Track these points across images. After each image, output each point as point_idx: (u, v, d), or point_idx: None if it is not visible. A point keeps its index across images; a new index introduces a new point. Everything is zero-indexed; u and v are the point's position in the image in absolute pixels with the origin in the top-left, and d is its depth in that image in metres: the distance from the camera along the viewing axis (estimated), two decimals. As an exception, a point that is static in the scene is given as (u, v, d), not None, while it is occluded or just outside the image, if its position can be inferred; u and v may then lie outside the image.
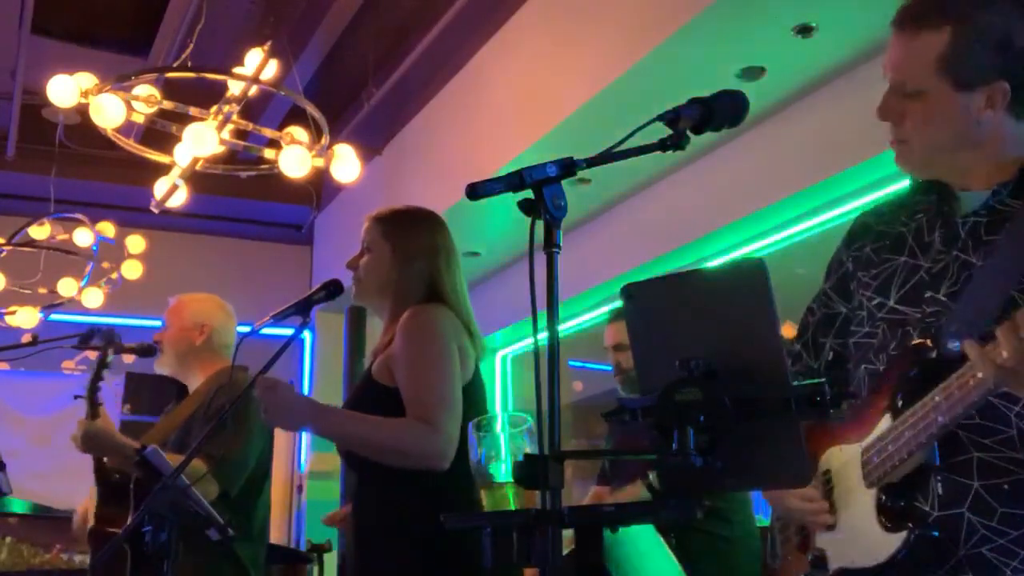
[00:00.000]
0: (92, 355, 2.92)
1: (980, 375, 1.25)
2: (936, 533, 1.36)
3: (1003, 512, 1.35)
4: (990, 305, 1.36)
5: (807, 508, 1.51)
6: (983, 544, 1.35)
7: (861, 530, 1.44)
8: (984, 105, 1.45)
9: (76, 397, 2.75)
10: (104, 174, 6.26)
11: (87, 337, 2.86)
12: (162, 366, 3.00)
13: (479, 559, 1.18)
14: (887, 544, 1.38)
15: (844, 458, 1.50)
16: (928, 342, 1.41)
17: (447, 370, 2.09)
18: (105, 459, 2.76)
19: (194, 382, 2.96)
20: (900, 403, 1.40)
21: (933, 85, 1.46)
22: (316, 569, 4.06)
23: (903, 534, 1.37)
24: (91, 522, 2.73)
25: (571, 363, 6.95)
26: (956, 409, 1.29)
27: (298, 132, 3.76)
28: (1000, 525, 1.34)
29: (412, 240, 2.30)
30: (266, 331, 2.19)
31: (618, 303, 3.54)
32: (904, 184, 1.63)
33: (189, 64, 3.91)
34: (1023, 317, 1.20)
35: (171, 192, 4.03)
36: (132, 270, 5.34)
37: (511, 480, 1.29)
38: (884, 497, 1.41)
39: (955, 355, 1.30)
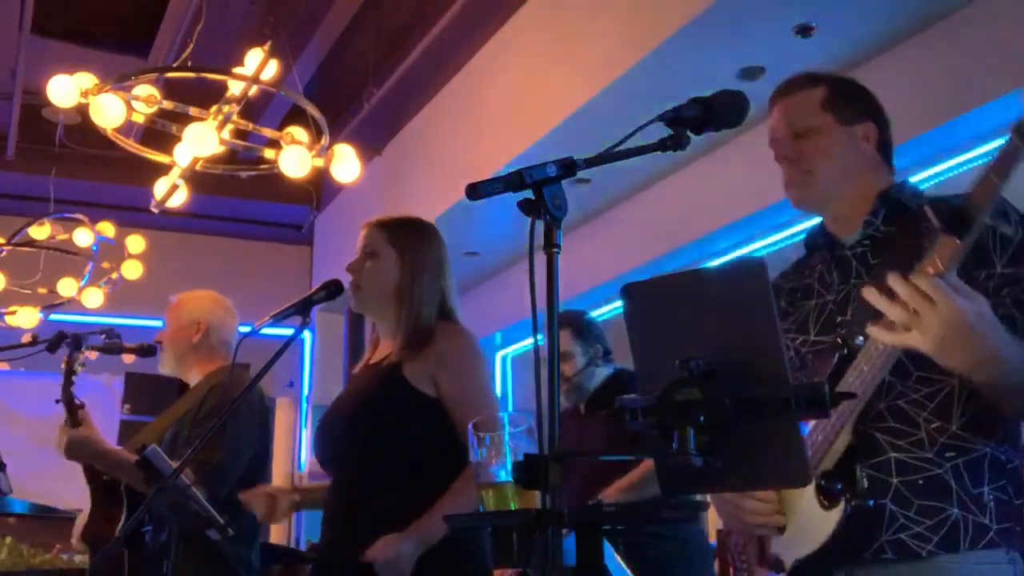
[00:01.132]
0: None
1: (882, 344, 1.45)
2: (871, 502, 1.53)
3: (919, 504, 1.52)
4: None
5: (761, 508, 1.62)
6: (902, 531, 1.52)
7: (807, 520, 1.56)
8: (863, 137, 1.73)
9: (57, 402, 2.75)
10: (104, 174, 6.26)
11: (56, 342, 2.85)
12: (163, 366, 3.00)
13: (479, 559, 1.18)
14: (828, 521, 1.52)
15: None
16: (838, 340, 1.59)
17: (494, 395, 2.33)
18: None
19: (194, 380, 2.95)
20: None
21: (822, 121, 1.72)
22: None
23: (841, 506, 1.51)
24: (86, 522, 2.73)
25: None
26: (867, 379, 1.49)
27: (298, 132, 3.76)
28: (917, 515, 1.52)
29: (420, 250, 2.33)
30: (266, 331, 2.19)
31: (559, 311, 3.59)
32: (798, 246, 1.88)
33: (189, 64, 3.91)
34: (917, 278, 1.34)
35: (171, 192, 4.03)
36: (132, 270, 5.34)
37: (511, 480, 1.29)
38: (823, 481, 1.54)
39: (860, 348, 1.50)
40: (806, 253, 1.87)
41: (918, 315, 1.33)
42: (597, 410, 3.26)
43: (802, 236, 1.87)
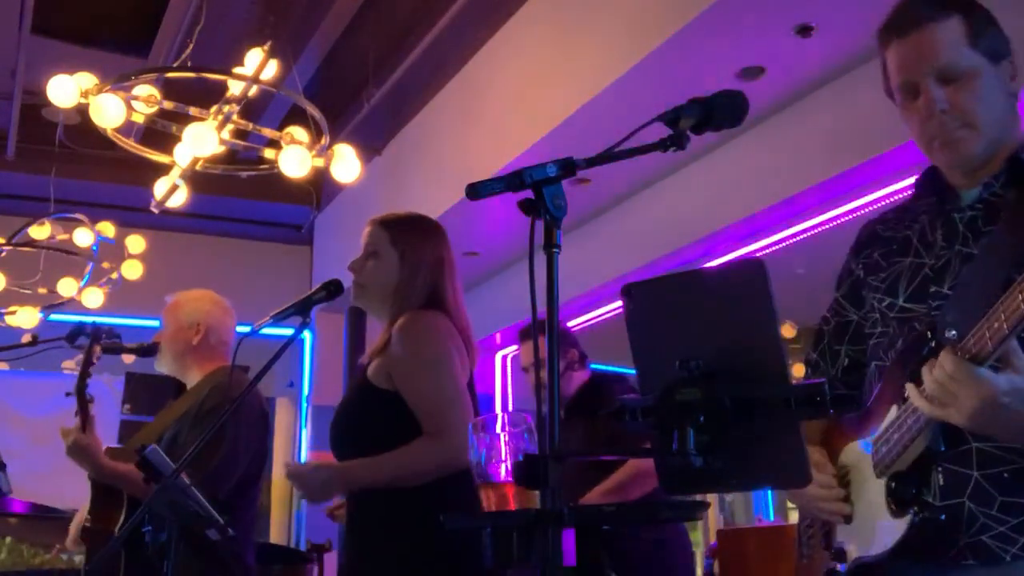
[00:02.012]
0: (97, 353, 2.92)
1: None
2: (943, 516, 1.40)
3: (1002, 501, 1.38)
4: (986, 289, 1.38)
5: (823, 494, 1.54)
6: (983, 532, 1.38)
7: (874, 519, 1.48)
8: (1010, 76, 1.50)
9: (68, 394, 2.74)
10: (104, 174, 6.26)
11: (73, 335, 2.85)
12: (161, 366, 2.99)
13: (479, 559, 1.18)
14: (896, 529, 1.43)
15: (858, 452, 1.53)
16: (928, 332, 1.44)
17: (449, 371, 2.14)
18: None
19: (193, 381, 2.95)
20: (904, 393, 1.43)
21: (976, 61, 1.47)
22: (316, 569, 4.06)
23: (909, 517, 1.41)
24: (85, 520, 2.73)
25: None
26: (913, 424, 1.38)
27: (298, 132, 3.76)
28: (999, 513, 1.38)
29: (420, 250, 2.31)
30: (266, 331, 2.18)
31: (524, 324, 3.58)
32: (905, 190, 1.66)
33: (189, 64, 3.91)
34: (941, 359, 1.29)
35: (171, 192, 4.03)
36: (132, 270, 5.33)
37: (511, 480, 1.29)
38: (893, 484, 1.45)
39: (952, 343, 1.34)
40: (912, 194, 1.66)
41: (951, 392, 1.29)
42: (576, 414, 3.27)
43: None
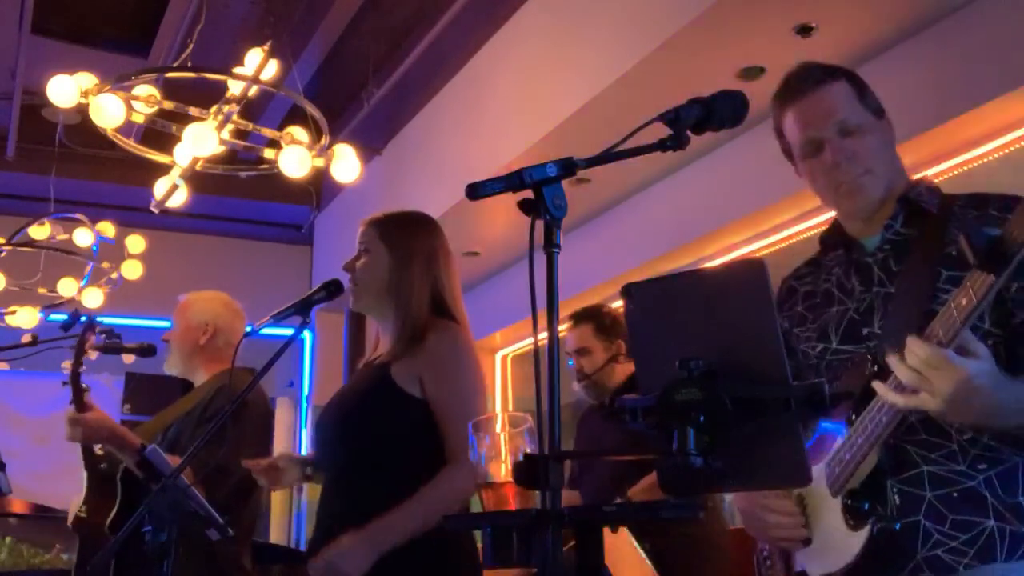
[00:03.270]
0: (92, 355, 2.92)
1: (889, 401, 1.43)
2: (897, 526, 1.50)
3: (953, 519, 1.50)
4: (913, 319, 1.49)
5: (783, 522, 1.61)
6: (938, 547, 1.49)
7: (833, 537, 1.54)
8: (889, 131, 1.69)
9: (64, 384, 2.75)
10: (104, 174, 6.26)
11: (69, 325, 2.86)
12: (170, 366, 3.00)
13: (479, 559, 1.18)
14: (854, 542, 1.50)
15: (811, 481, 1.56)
16: (869, 357, 1.57)
17: (482, 398, 2.18)
18: (97, 449, 2.74)
19: (199, 381, 2.96)
20: (852, 415, 1.53)
21: (866, 118, 1.65)
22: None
23: (867, 528, 1.50)
24: (79, 510, 2.73)
25: (571, 363, 6.94)
26: (893, 415, 1.46)
27: (298, 132, 3.76)
28: (952, 530, 1.49)
29: (408, 242, 2.30)
30: (266, 331, 2.19)
31: (578, 307, 3.56)
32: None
33: (189, 64, 3.90)
34: (910, 346, 1.35)
35: (171, 192, 4.02)
36: (132, 270, 5.33)
37: (511, 480, 1.29)
38: (849, 501, 1.53)
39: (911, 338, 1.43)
40: (820, 250, 1.81)
41: (926, 378, 1.34)
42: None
43: (799, 237, 1.87)
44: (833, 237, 1.75)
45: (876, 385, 1.43)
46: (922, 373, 1.34)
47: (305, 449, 7.27)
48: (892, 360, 1.37)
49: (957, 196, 1.66)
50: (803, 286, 1.79)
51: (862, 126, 1.64)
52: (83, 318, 2.87)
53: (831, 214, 1.79)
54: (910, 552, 1.50)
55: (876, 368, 1.53)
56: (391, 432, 2.17)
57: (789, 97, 1.71)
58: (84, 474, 2.77)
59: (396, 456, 2.16)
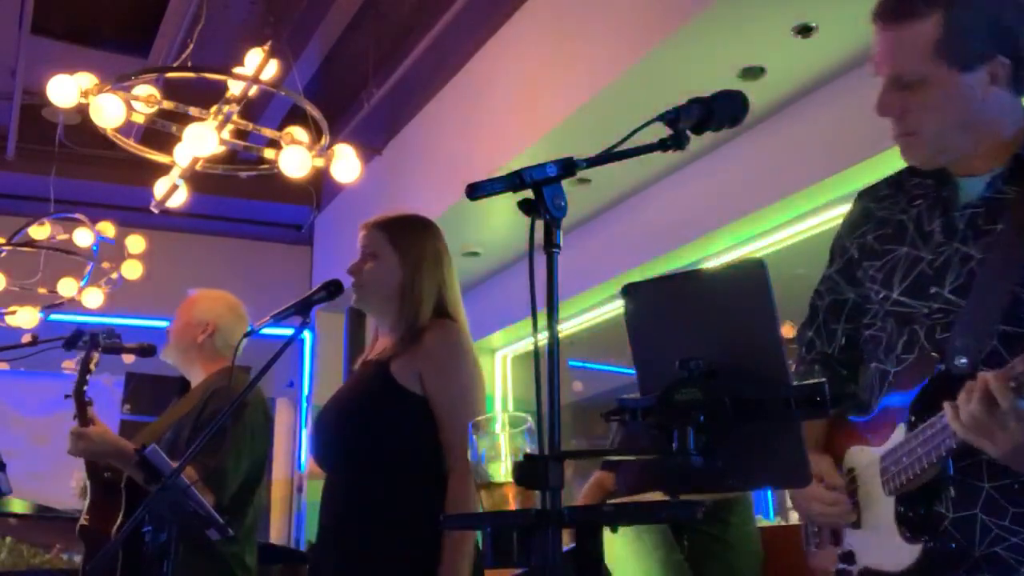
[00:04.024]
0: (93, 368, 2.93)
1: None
2: (953, 545, 1.40)
3: (1015, 512, 1.37)
4: (993, 310, 1.38)
5: (830, 512, 1.54)
6: (997, 543, 1.38)
7: (884, 535, 1.47)
8: (989, 82, 1.46)
9: (66, 397, 2.75)
10: (104, 174, 6.26)
11: (72, 340, 2.86)
12: (166, 356, 3.01)
13: (479, 559, 1.18)
14: (907, 553, 1.42)
15: (865, 460, 1.52)
16: (937, 356, 1.43)
17: (481, 395, 2.21)
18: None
19: (196, 379, 2.96)
20: (913, 418, 1.44)
21: (932, 71, 1.46)
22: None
23: (920, 546, 1.41)
24: (83, 518, 2.73)
25: (571, 363, 6.95)
26: (952, 441, 1.34)
27: (298, 132, 3.76)
28: (1013, 524, 1.37)
29: (419, 247, 2.32)
30: (266, 331, 2.19)
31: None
32: None
33: (189, 64, 3.90)
34: (981, 384, 1.25)
35: (171, 192, 4.02)
36: (132, 270, 5.33)
37: (511, 480, 1.29)
38: (903, 508, 1.45)
39: (963, 372, 1.34)
40: (907, 169, 1.62)
41: (990, 426, 1.25)
42: None
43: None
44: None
45: (947, 408, 1.31)
46: (987, 420, 1.25)
47: (305, 449, 7.27)
48: (962, 396, 1.28)
49: None
50: (880, 210, 1.63)
51: (924, 81, 1.46)
52: (87, 330, 2.87)
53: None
54: (967, 550, 1.39)
55: (944, 369, 1.41)
56: (391, 429, 2.18)
57: (876, 19, 1.52)
58: (88, 483, 2.77)
59: (397, 453, 2.17)
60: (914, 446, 1.41)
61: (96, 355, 2.81)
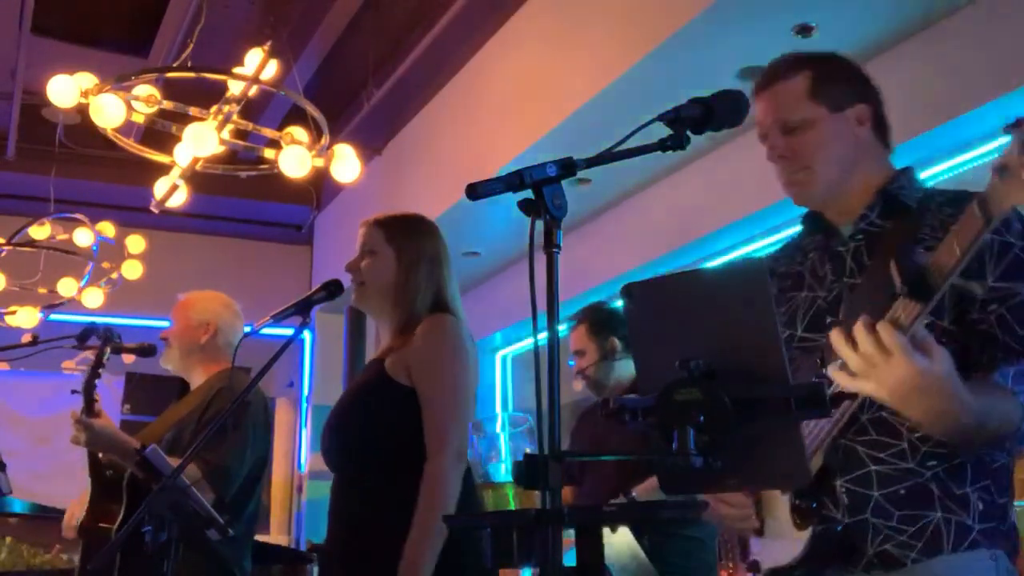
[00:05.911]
0: (92, 355, 2.92)
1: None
2: (839, 528, 1.53)
3: (900, 514, 1.52)
4: (872, 311, 1.45)
5: (734, 514, 1.64)
6: (887, 542, 1.52)
7: (782, 532, 1.57)
8: (858, 123, 1.66)
9: (74, 392, 2.75)
10: (104, 174, 6.26)
11: (84, 336, 2.87)
12: (167, 361, 3.01)
13: (479, 559, 1.18)
14: (799, 541, 1.53)
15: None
16: (818, 360, 1.57)
17: (468, 387, 2.20)
18: (101, 455, 2.75)
19: (196, 380, 2.97)
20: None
21: (812, 112, 1.65)
22: (316, 569, 4.06)
23: (809, 530, 1.53)
24: (81, 516, 2.73)
25: (571, 363, 6.94)
26: (835, 420, 1.51)
27: (298, 132, 3.76)
28: (899, 524, 1.52)
29: (416, 245, 2.33)
30: (266, 331, 2.19)
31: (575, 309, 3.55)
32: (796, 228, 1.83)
33: (189, 64, 3.90)
34: (856, 330, 1.34)
35: (171, 192, 4.02)
36: (132, 270, 5.33)
37: (511, 480, 1.29)
38: (796, 500, 1.56)
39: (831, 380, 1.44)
40: (800, 232, 1.81)
41: (874, 367, 1.32)
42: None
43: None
44: (813, 222, 1.76)
45: (830, 369, 1.41)
46: (868, 360, 1.32)
47: (306, 448, 7.27)
48: (839, 342, 1.35)
49: (940, 192, 1.66)
50: (780, 267, 1.79)
51: (807, 122, 1.65)
52: (99, 327, 2.88)
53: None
54: (860, 548, 1.53)
55: (822, 362, 1.53)
56: (386, 424, 2.19)
57: (756, 88, 1.76)
58: (88, 481, 2.77)
59: (393, 448, 2.18)
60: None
61: (108, 349, 2.83)
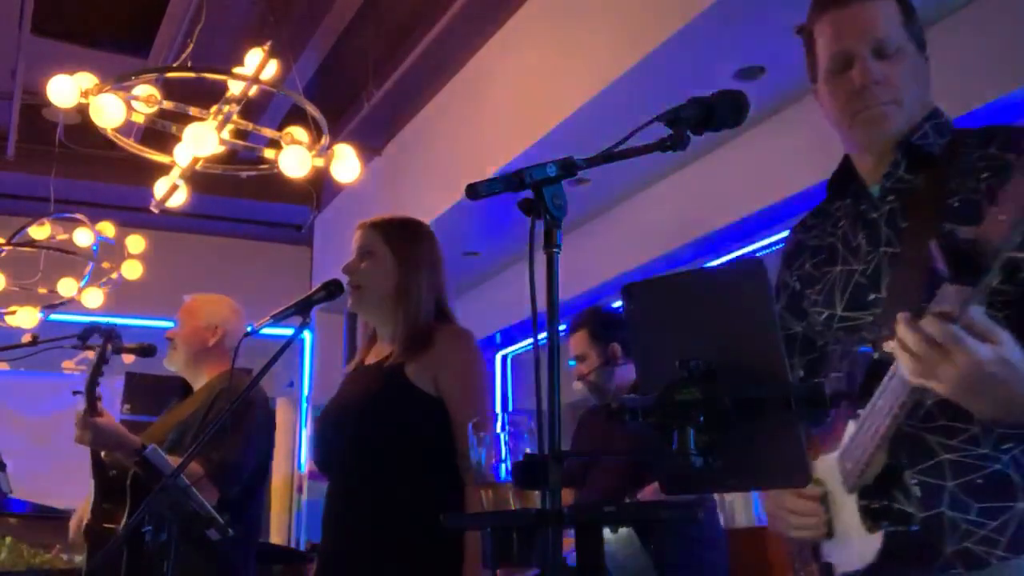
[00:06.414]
0: (92, 354, 2.92)
1: (897, 372, 1.31)
2: (914, 527, 1.41)
3: (979, 507, 1.39)
4: (912, 292, 1.40)
5: (802, 523, 1.53)
6: (967, 538, 1.38)
7: (853, 534, 1.47)
8: (927, 68, 1.54)
9: (75, 392, 2.75)
10: (104, 174, 6.26)
11: (86, 335, 2.87)
12: (171, 363, 3.02)
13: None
14: (871, 544, 1.43)
15: (827, 467, 1.52)
16: (871, 345, 1.46)
17: (491, 399, 2.26)
18: (103, 454, 2.75)
19: (200, 382, 2.97)
20: (859, 411, 1.45)
21: (907, 43, 1.51)
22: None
23: (880, 533, 1.42)
24: (87, 518, 2.73)
25: (571, 363, 6.94)
26: (895, 410, 1.35)
27: (298, 132, 3.76)
28: (980, 518, 1.38)
29: (415, 248, 2.33)
30: (266, 331, 2.19)
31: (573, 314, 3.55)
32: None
33: (189, 64, 3.90)
34: (901, 332, 1.24)
35: (171, 192, 4.02)
36: (132, 270, 5.33)
37: (511, 480, 1.29)
38: (863, 500, 1.46)
39: (890, 356, 1.35)
40: (826, 197, 1.68)
41: (932, 365, 1.23)
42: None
43: None
44: (842, 180, 1.62)
45: (887, 346, 1.30)
46: (923, 356, 1.22)
47: (305, 449, 7.27)
48: (898, 347, 1.26)
49: (968, 132, 1.53)
50: (811, 240, 1.68)
51: (902, 50, 1.50)
52: (102, 326, 2.88)
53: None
54: (936, 547, 1.39)
55: (877, 356, 1.42)
56: (412, 431, 2.19)
57: (829, 2, 1.57)
58: (92, 481, 2.77)
59: (417, 453, 2.18)
60: (862, 434, 1.42)
61: (110, 348, 2.83)
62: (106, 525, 2.66)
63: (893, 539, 1.41)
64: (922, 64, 1.54)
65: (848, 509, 1.48)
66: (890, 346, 1.30)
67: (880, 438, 1.39)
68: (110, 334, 2.83)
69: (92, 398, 2.71)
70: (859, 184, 1.59)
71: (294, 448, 7.45)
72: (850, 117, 1.54)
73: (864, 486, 1.45)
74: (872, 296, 1.51)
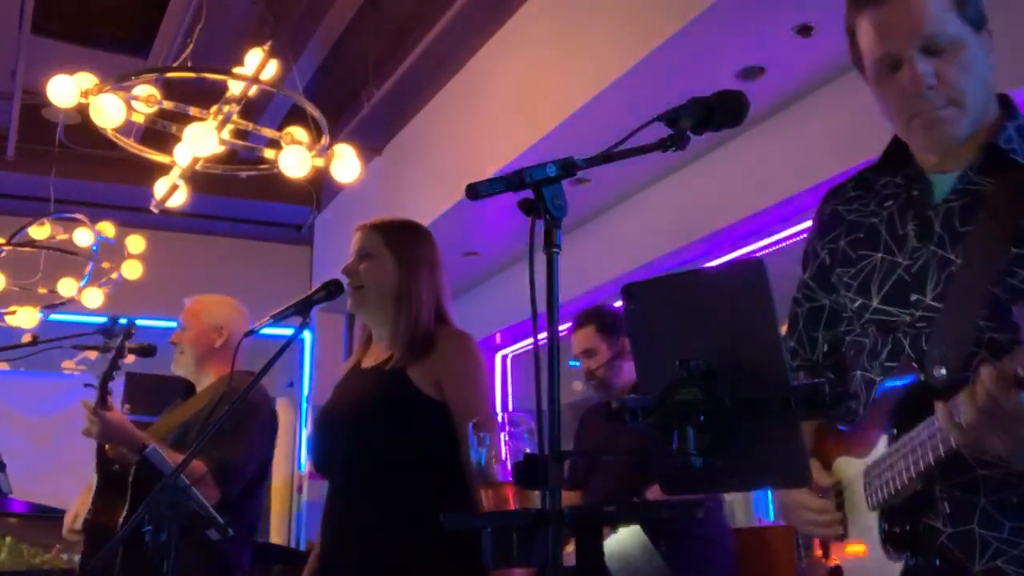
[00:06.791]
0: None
1: (944, 433, 1.25)
2: (938, 562, 1.35)
3: (1011, 526, 1.33)
4: (972, 316, 1.34)
5: (817, 520, 1.50)
6: (997, 557, 1.33)
7: (870, 550, 1.44)
8: (989, 50, 1.40)
9: (87, 385, 2.75)
10: (104, 174, 6.25)
11: (108, 329, 2.88)
12: (179, 367, 3.02)
13: (479, 559, 1.18)
14: (891, 570, 1.38)
15: (851, 472, 1.49)
16: (917, 367, 1.38)
17: (494, 402, 2.29)
18: (108, 448, 2.76)
19: (205, 383, 2.98)
20: (895, 430, 1.39)
21: (961, 29, 1.36)
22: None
23: (903, 563, 1.37)
24: (83, 514, 2.73)
25: (571, 363, 6.94)
26: (939, 450, 1.27)
27: (298, 132, 3.76)
28: (1012, 536, 1.33)
29: (415, 250, 2.33)
30: (266, 331, 2.19)
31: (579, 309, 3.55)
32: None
33: (189, 64, 3.90)
34: (981, 387, 1.17)
35: (171, 192, 4.02)
36: (132, 270, 5.33)
37: (511, 480, 1.29)
38: (887, 524, 1.40)
39: (942, 382, 1.31)
40: (874, 167, 1.54)
41: (992, 427, 1.18)
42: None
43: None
44: (896, 157, 1.48)
45: (938, 411, 1.22)
46: (989, 418, 1.17)
47: (305, 449, 7.27)
48: (962, 399, 1.19)
49: None
50: (850, 213, 1.55)
51: (956, 42, 1.35)
52: (119, 322, 2.89)
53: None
54: (965, 566, 1.33)
55: (923, 378, 1.35)
56: (416, 433, 2.19)
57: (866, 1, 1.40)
58: (95, 476, 2.77)
59: (420, 456, 2.18)
60: (895, 460, 1.36)
61: (127, 344, 2.84)
62: (105, 520, 2.66)
63: (913, 571, 1.36)
64: (981, 49, 1.39)
65: (868, 523, 1.43)
66: (958, 401, 1.22)
67: (922, 469, 1.31)
68: (129, 330, 2.84)
69: (104, 392, 2.72)
70: (915, 168, 1.46)
71: (294, 448, 7.45)
72: (906, 121, 1.42)
73: (890, 506, 1.39)
74: (915, 297, 1.41)
